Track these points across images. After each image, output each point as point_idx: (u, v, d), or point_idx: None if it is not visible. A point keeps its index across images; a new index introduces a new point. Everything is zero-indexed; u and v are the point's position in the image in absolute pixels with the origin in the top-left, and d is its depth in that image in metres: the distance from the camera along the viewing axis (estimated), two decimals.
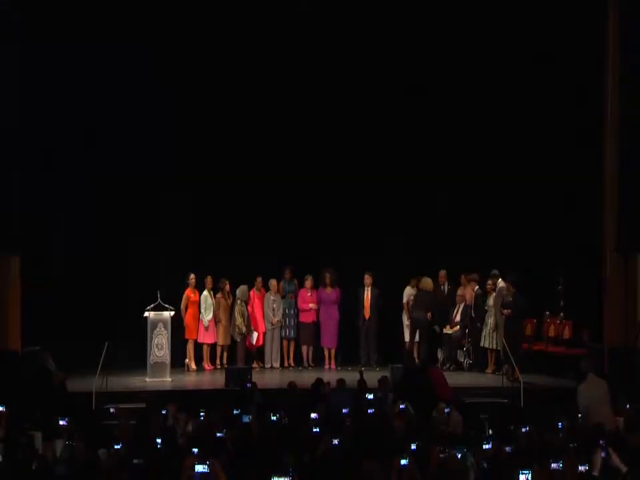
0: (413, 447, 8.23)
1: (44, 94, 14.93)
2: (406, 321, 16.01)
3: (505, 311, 14.55)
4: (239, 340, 15.60)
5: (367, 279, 16.02)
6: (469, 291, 15.75)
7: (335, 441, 8.39)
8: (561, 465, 7.52)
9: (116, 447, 8.27)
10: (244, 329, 15.54)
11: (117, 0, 15.52)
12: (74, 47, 15.21)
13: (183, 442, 8.67)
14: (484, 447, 8.43)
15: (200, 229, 16.22)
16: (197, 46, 15.87)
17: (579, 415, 10.40)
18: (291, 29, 16.03)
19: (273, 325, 15.87)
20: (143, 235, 15.87)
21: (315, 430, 9.27)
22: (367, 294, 16.03)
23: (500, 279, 15.10)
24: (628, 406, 10.89)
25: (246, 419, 9.84)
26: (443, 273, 16.10)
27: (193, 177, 16.17)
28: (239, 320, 15.52)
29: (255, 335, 15.75)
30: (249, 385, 12.48)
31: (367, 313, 16.02)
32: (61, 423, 9.43)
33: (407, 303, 16.01)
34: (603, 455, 7.84)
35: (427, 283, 15.73)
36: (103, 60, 15.43)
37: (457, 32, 15.96)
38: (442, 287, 16.14)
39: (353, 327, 16.16)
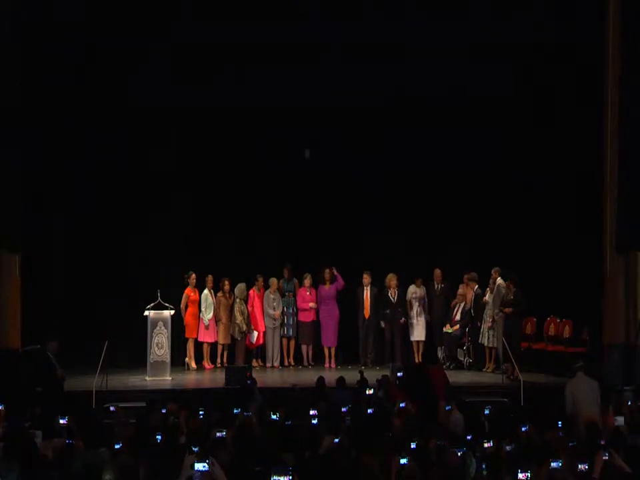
0: (413, 445, 8.24)
1: (44, 95, 14.94)
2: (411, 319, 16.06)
3: (506, 309, 14.55)
4: (239, 338, 15.59)
5: (366, 279, 16.01)
6: (469, 291, 15.75)
7: (335, 440, 8.41)
8: (560, 464, 7.52)
9: (116, 446, 8.27)
10: (244, 327, 15.54)
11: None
12: (74, 47, 15.22)
13: (183, 440, 8.67)
14: (484, 445, 8.44)
15: (200, 228, 16.21)
16: (198, 44, 15.82)
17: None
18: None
19: (275, 319, 15.84)
20: (142, 235, 15.88)
21: (313, 422, 9.32)
22: (366, 293, 16.02)
23: (499, 277, 15.08)
24: (630, 402, 10.89)
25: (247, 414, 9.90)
26: (438, 272, 16.08)
27: (193, 176, 16.18)
28: (239, 318, 15.52)
29: (255, 334, 15.75)
30: (249, 381, 12.47)
31: (366, 312, 16.01)
32: (61, 422, 9.44)
33: (409, 301, 16.03)
34: (605, 456, 7.84)
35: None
36: (102, 60, 15.44)
37: (457, 30, 15.93)
38: (437, 285, 16.09)
39: (353, 326, 16.15)
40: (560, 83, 15.45)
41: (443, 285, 16.10)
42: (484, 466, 7.82)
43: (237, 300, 15.61)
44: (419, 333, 16.03)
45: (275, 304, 15.90)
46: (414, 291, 16.04)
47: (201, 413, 10.19)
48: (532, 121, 15.84)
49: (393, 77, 15.91)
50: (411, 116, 16.44)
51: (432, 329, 16.15)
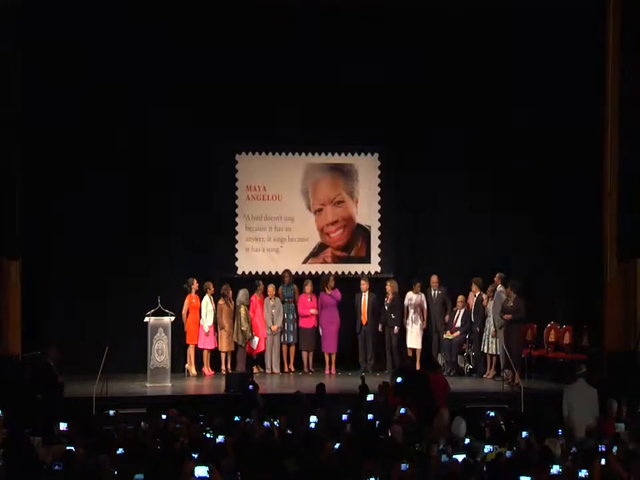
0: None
1: (43, 95, 14.96)
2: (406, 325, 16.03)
3: (506, 316, 14.51)
4: (243, 345, 15.53)
5: (363, 285, 15.96)
6: (471, 296, 15.70)
7: (336, 446, 8.41)
8: (560, 470, 7.52)
9: (116, 452, 8.27)
10: (249, 335, 15.48)
11: None
12: (73, 46, 15.25)
13: (183, 447, 8.66)
14: (484, 451, 8.44)
15: (201, 232, 16.21)
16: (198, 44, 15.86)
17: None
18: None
19: (272, 331, 15.84)
20: (143, 240, 15.86)
21: (311, 427, 9.30)
22: (364, 299, 15.99)
23: (500, 283, 15.03)
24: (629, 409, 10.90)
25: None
26: (435, 278, 15.93)
27: (192, 179, 16.22)
28: (245, 326, 15.41)
29: (256, 339, 15.70)
30: (251, 387, 12.46)
31: (364, 319, 15.97)
32: (61, 428, 9.44)
33: (406, 307, 15.99)
34: (603, 462, 7.84)
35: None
36: (101, 62, 15.46)
37: (457, 29, 15.95)
38: (434, 292, 15.95)
39: (354, 332, 16.13)
40: (560, 82, 15.47)
41: (439, 292, 16.01)
42: (484, 472, 7.83)
43: (242, 306, 15.53)
44: (413, 340, 15.88)
45: (274, 310, 15.86)
46: (410, 297, 15.96)
47: (200, 419, 10.19)
48: (532, 122, 15.84)
49: None
50: (413, 117, 16.46)
51: (429, 335, 16.07)
